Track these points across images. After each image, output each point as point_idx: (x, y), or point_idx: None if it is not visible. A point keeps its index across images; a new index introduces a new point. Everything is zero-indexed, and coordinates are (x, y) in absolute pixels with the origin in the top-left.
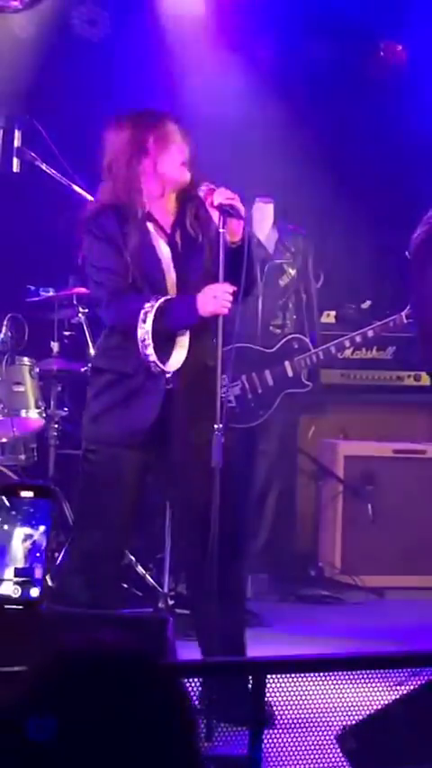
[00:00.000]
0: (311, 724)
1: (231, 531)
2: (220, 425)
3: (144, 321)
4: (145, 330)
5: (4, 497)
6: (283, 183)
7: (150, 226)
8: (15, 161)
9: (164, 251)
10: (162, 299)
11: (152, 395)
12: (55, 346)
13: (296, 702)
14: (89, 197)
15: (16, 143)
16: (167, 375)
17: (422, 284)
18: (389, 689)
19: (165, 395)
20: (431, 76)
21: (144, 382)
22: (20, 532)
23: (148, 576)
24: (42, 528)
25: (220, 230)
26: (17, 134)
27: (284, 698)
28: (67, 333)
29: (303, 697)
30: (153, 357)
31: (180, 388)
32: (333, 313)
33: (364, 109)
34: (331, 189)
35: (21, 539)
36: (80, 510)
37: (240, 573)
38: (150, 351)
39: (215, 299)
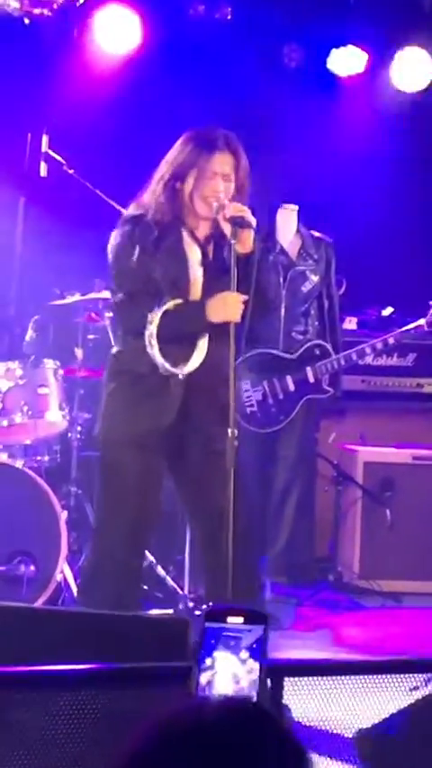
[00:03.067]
0: (327, 727)
1: (245, 532)
2: (235, 430)
3: (150, 323)
4: (149, 332)
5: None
6: (307, 187)
7: (184, 233)
8: (43, 166)
9: (193, 255)
10: (170, 304)
11: (167, 396)
12: (79, 352)
13: (313, 706)
14: (114, 204)
15: (44, 148)
16: (179, 377)
17: None
18: (406, 694)
19: (181, 397)
20: None
21: (159, 383)
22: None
23: (168, 577)
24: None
25: (231, 242)
26: (45, 139)
27: (301, 701)
28: (91, 336)
29: (320, 700)
30: (159, 359)
31: (197, 390)
32: (355, 319)
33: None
34: (357, 195)
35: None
36: (99, 511)
37: (255, 573)
38: (154, 352)
39: (225, 305)
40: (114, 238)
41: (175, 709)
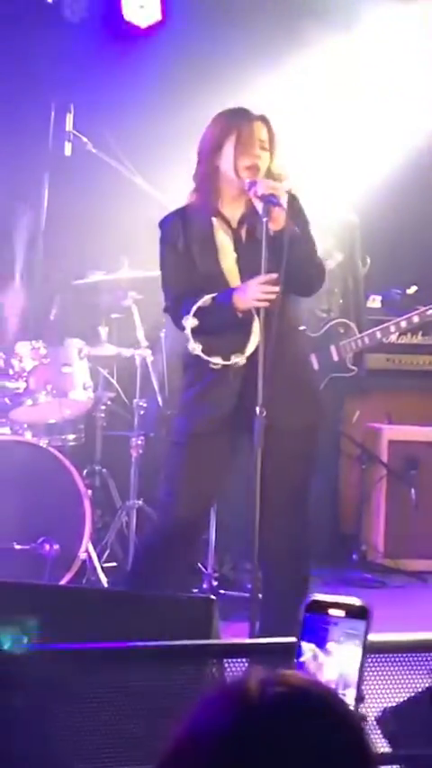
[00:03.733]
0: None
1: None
2: (263, 408)
3: (185, 323)
4: (186, 333)
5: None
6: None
7: (215, 220)
8: (68, 145)
9: (225, 244)
10: (200, 301)
11: (227, 386)
12: (103, 331)
13: None
14: (139, 181)
15: (68, 127)
16: (226, 364)
17: None
18: (430, 672)
19: (240, 384)
20: None
21: (219, 375)
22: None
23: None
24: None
25: (263, 219)
26: (69, 118)
27: None
28: (115, 316)
29: None
30: (197, 351)
31: (256, 375)
32: (379, 298)
33: None
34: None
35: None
36: (166, 495)
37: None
38: (193, 346)
39: (247, 293)
40: (161, 248)
41: (237, 684)
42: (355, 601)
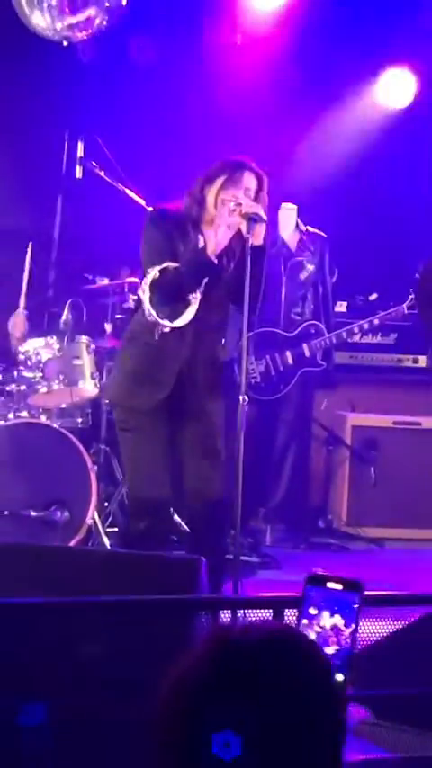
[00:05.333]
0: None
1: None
2: (245, 397)
3: (145, 280)
4: (144, 286)
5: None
6: (307, 188)
7: (201, 239)
8: (79, 169)
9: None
10: (164, 265)
11: (172, 360)
12: (108, 327)
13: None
14: (140, 200)
15: (79, 153)
16: (171, 327)
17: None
18: (387, 623)
19: (182, 364)
20: None
21: (165, 349)
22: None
23: (182, 522)
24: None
25: (246, 235)
26: (80, 145)
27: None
28: (118, 316)
29: None
30: (153, 315)
31: (193, 362)
32: (345, 303)
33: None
34: (349, 197)
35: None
36: (127, 467)
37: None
38: (148, 305)
39: (214, 235)
40: (151, 230)
41: (223, 630)
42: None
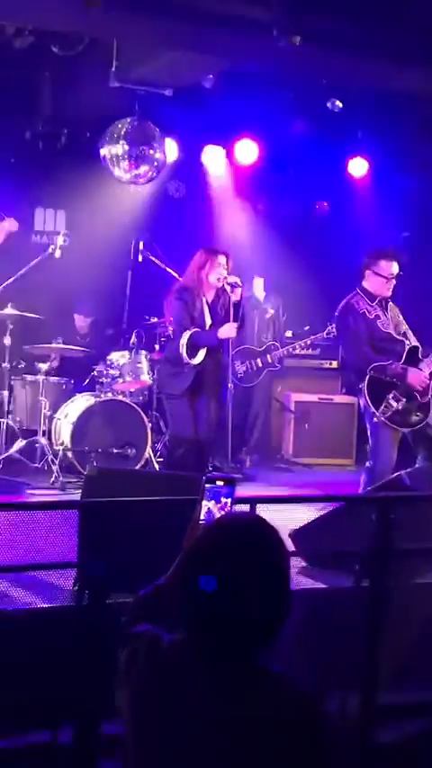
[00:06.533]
0: (280, 527)
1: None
2: (232, 385)
3: (182, 338)
4: (181, 343)
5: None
6: (269, 264)
7: (204, 300)
8: (140, 256)
9: (207, 312)
10: (195, 329)
11: (189, 372)
12: (156, 347)
13: (270, 517)
14: (174, 274)
15: (140, 247)
16: (194, 364)
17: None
18: (315, 512)
19: (195, 373)
20: None
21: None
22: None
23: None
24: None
25: (230, 295)
26: (141, 243)
27: (266, 516)
28: (162, 339)
29: (276, 516)
30: (185, 357)
31: (203, 369)
32: (290, 332)
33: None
34: (295, 269)
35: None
36: (170, 420)
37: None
38: (183, 351)
39: (225, 332)
40: (175, 300)
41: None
42: (228, 476)
